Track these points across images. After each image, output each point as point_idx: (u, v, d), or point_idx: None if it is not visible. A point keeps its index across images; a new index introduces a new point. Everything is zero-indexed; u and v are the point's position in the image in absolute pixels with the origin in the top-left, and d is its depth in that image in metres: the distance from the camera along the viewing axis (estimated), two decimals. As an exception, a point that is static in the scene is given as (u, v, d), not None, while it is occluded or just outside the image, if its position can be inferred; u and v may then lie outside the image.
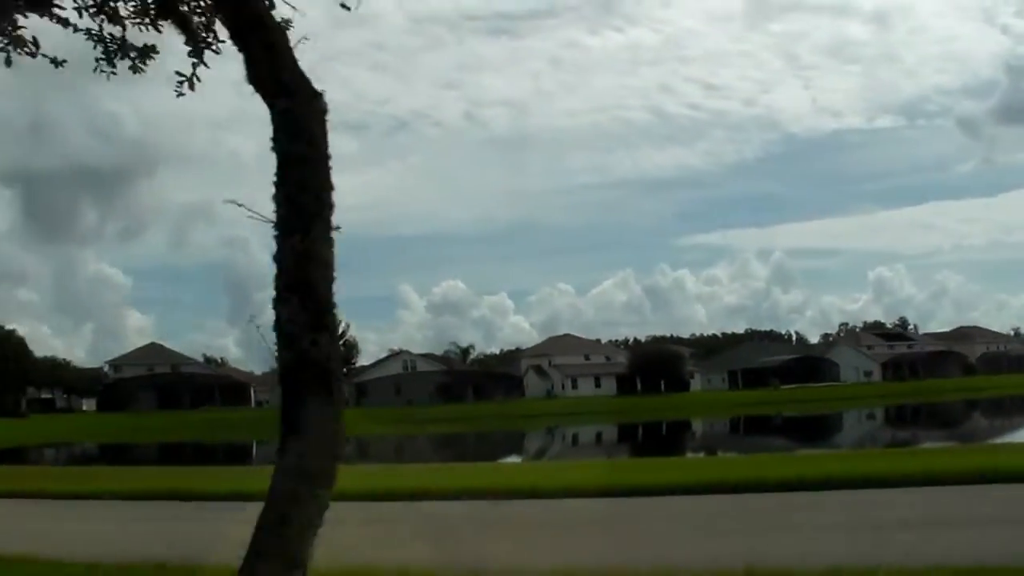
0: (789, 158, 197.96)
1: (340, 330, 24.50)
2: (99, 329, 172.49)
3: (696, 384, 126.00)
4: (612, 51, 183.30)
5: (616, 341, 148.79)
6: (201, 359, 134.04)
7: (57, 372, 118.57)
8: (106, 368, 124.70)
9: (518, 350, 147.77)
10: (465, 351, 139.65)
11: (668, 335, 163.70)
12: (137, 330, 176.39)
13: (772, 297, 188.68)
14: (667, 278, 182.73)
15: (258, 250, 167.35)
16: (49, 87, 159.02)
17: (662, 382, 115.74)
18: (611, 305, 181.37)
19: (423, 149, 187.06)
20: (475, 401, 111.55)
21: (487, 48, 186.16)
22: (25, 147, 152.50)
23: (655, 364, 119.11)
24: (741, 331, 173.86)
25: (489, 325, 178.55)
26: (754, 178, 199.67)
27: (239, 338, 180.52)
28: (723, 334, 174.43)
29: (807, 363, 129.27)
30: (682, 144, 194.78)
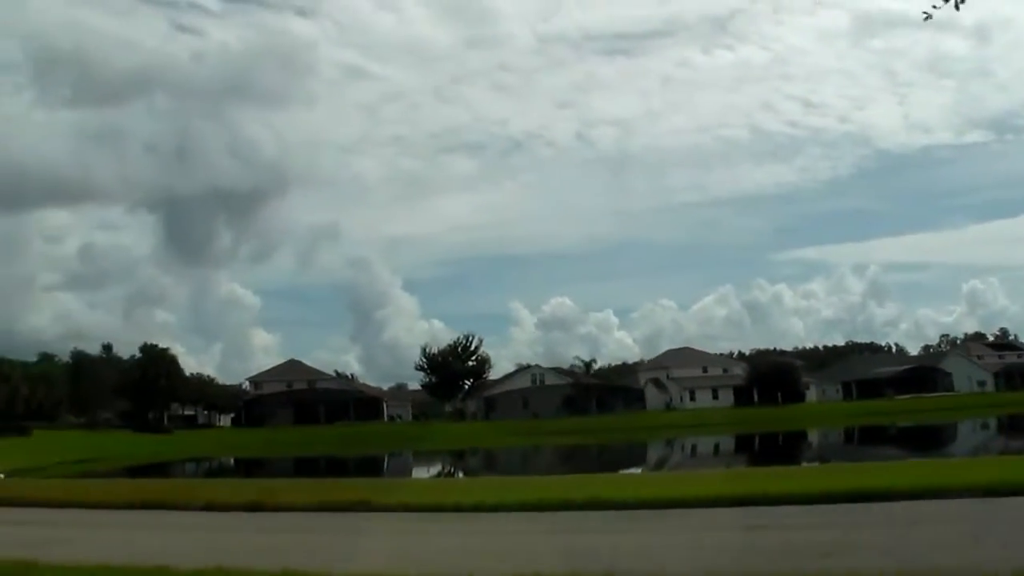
0: (881, 174, 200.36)
1: (473, 345, 54.60)
2: (229, 348, 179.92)
3: (811, 395, 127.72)
4: (720, 69, 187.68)
5: (730, 354, 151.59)
6: (333, 375, 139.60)
7: (202, 389, 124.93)
8: (246, 385, 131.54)
9: (638, 363, 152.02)
10: (588, 364, 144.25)
11: (770, 348, 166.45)
12: (264, 348, 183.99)
13: (868, 310, 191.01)
14: (766, 293, 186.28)
15: (379, 269, 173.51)
16: (196, 115, 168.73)
17: (778, 394, 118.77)
18: (712, 320, 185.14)
19: (536, 169, 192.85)
20: (598, 414, 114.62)
21: (603, 68, 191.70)
22: (171, 173, 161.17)
23: (772, 376, 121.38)
24: (840, 343, 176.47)
25: (595, 341, 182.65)
26: (848, 194, 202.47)
27: (360, 355, 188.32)
28: (824, 347, 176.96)
29: (920, 373, 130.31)
30: (779, 161, 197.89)
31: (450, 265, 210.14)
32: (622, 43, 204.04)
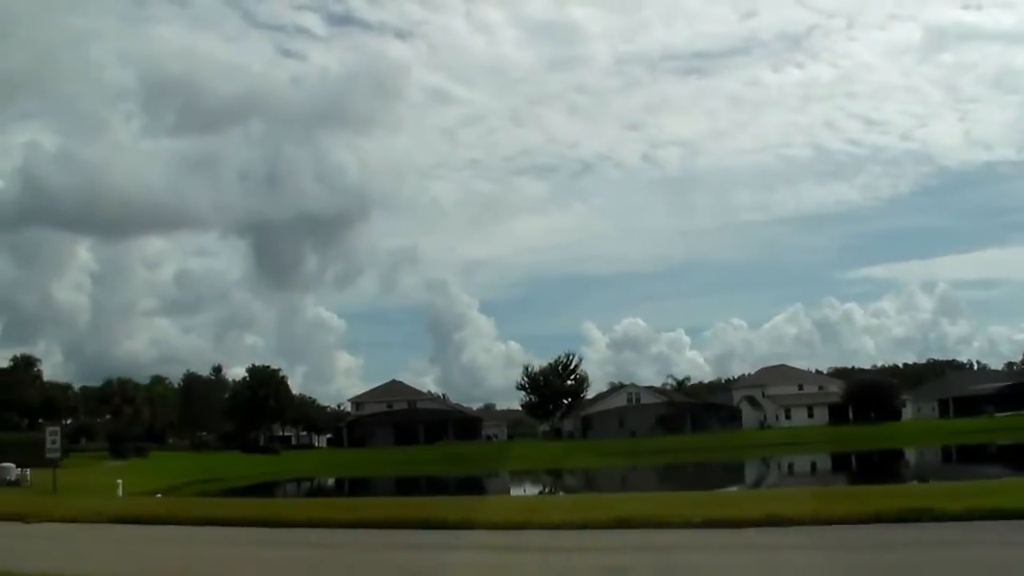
0: (944, 191, 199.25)
1: (572, 364, 79.76)
2: (314, 370, 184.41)
3: (907, 413, 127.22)
4: (787, 88, 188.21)
5: (821, 371, 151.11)
6: (432, 395, 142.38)
7: (304, 410, 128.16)
8: (347, 405, 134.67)
9: (732, 380, 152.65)
10: (680, 383, 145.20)
11: (849, 367, 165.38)
12: (346, 371, 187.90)
13: (940, 328, 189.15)
14: (836, 311, 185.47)
15: (457, 291, 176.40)
16: (288, 140, 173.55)
17: (873, 411, 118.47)
18: (782, 339, 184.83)
19: (604, 190, 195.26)
20: (693, 432, 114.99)
21: (675, 88, 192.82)
22: (262, 199, 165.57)
23: (868, 394, 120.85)
24: (912, 361, 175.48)
25: (666, 360, 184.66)
26: (911, 211, 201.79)
27: (439, 376, 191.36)
28: (904, 364, 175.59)
29: (1019, 390, 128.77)
30: (841, 179, 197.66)
31: (524, 287, 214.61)
32: (698, 62, 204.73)
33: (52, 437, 46.32)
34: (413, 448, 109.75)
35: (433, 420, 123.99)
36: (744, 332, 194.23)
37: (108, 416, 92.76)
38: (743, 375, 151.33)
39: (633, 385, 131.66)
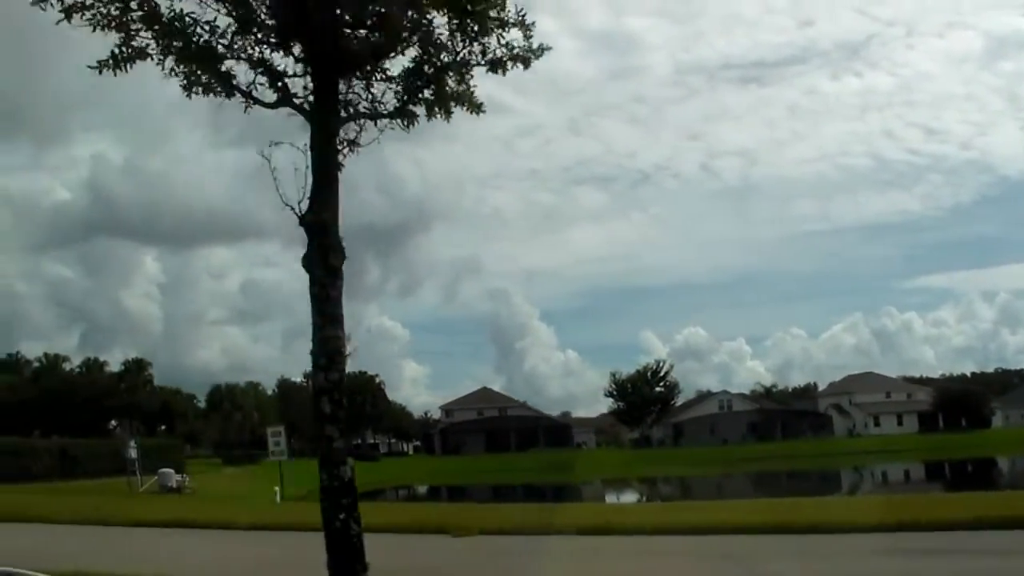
0: (1004, 200, 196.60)
1: (662, 371, 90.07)
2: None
3: (996, 421, 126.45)
4: (845, 97, 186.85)
5: (911, 378, 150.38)
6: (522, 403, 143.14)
7: (396, 416, 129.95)
8: (439, 413, 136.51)
9: (819, 388, 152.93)
10: (768, 390, 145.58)
11: (916, 376, 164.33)
12: (412, 380, 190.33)
13: (1000, 337, 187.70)
14: (895, 321, 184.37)
15: (518, 300, 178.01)
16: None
17: (963, 420, 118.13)
18: (842, 348, 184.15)
19: (663, 200, 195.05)
20: (783, 439, 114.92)
21: (734, 97, 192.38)
22: None
23: (958, 401, 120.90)
24: (972, 371, 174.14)
25: (726, 369, 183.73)
26: (971, 220, 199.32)
27: (504, 385, 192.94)
28: (972, 374, 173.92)
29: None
30: (901, 189, 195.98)
31: (584, 296, 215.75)
32: (756, 71, 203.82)
33: (275, 439, 47.70)
34: (508, 455, 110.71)
35: (524, 428, 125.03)
36: (804, 341, 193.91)
37: (218, 422, 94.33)
38: (829, 383, 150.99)
39: (725, 392, 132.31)
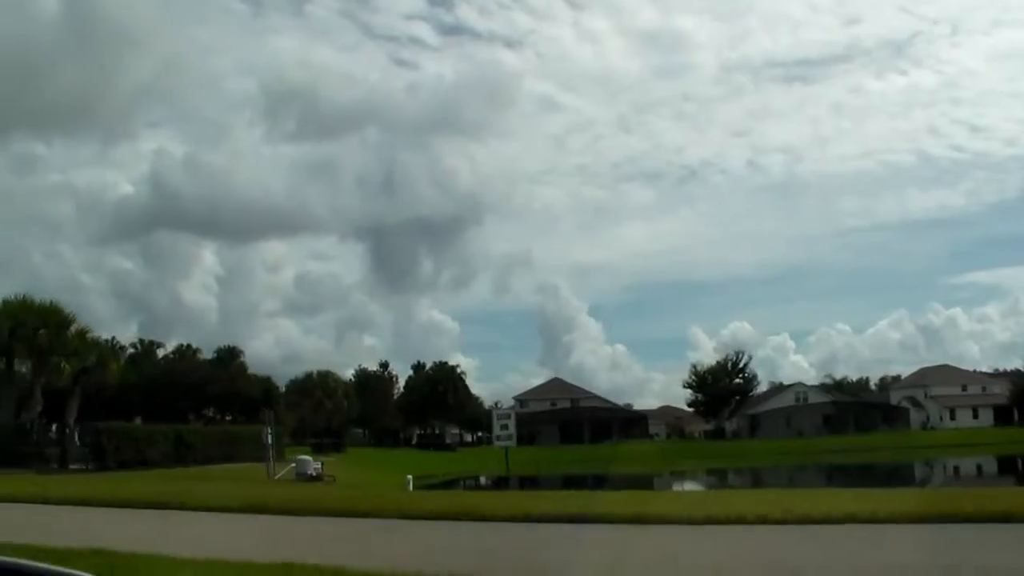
0: None
1: (742, 362, 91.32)
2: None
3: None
4: (890, 95, 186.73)
5: (988, 371, 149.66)
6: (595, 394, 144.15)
7: (472, 407, 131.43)
8: (513, 403, 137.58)
9: (892, 380, 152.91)
10: (839, 383, 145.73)
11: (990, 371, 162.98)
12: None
13: None
14: (940, 317, 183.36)
15: (567, 295, 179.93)
16: (404, 147, 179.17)
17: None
18: (886, 344, 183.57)
19: (709, 196, 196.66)
20: (857, 433, 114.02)
21: (779, 96, 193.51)
22: (379, 203, 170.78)
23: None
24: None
25: (771, 364, 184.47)
26: (1016, 216, 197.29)
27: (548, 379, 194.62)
28: None
29: None
30: (945, 185, 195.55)
31: (631, 291, 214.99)
32: (801, 69, 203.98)
33: (503, 422, 48.79)
34: (586, 447, 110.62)
35: (598, 418, 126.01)
36: (848, 337, 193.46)
37: (308, 410, 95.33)
38: (898, 375, 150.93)
39: (801, 384, 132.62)
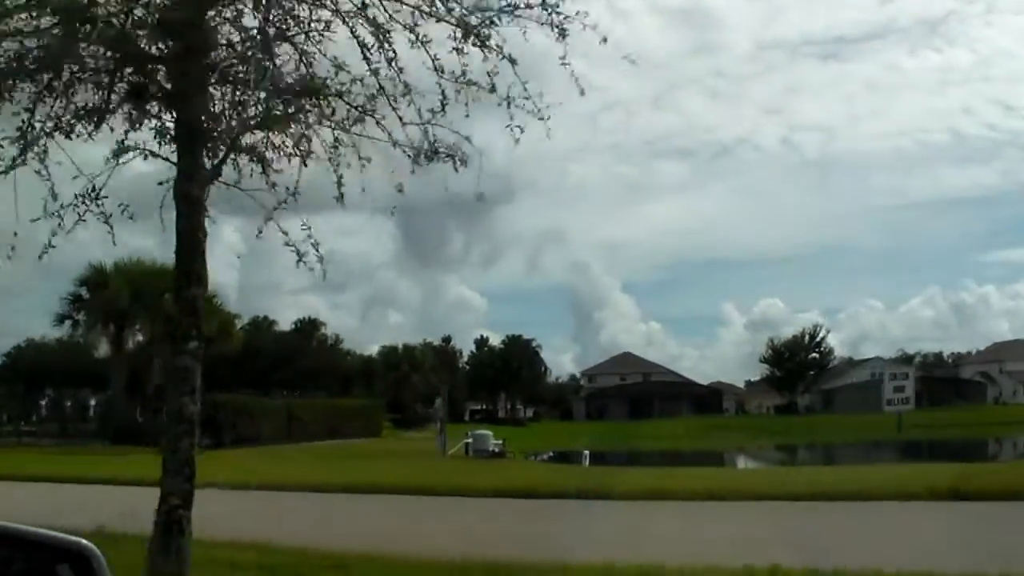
0: None
1: (819, 336, 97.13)
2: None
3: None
4: (925, 73, 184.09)
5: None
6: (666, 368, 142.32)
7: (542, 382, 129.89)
8: (580, 378, 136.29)
9: (965, 354, 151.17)
10: (910, 358, 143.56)
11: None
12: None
13: None
14: (973, 294, 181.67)
15: (598, 272, 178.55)
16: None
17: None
18: (919, 321, 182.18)
19: (743, 173, 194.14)
20: (932, 407, 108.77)
21: (814, 73, 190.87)
22: (409, 179, 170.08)
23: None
24: None
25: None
26: None
27: (578, 354, 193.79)
28: None
29: None
30: (979, 164, 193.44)
31: (664, 268, 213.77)
32: (836, 47, 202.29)
33: (897, 383, 45.92)
34: (655, 422, 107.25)
35: (669, 393, 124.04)
36: (880, 314, 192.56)
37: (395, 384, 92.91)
38: (971, 351, 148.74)
39: (878, 359, 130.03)
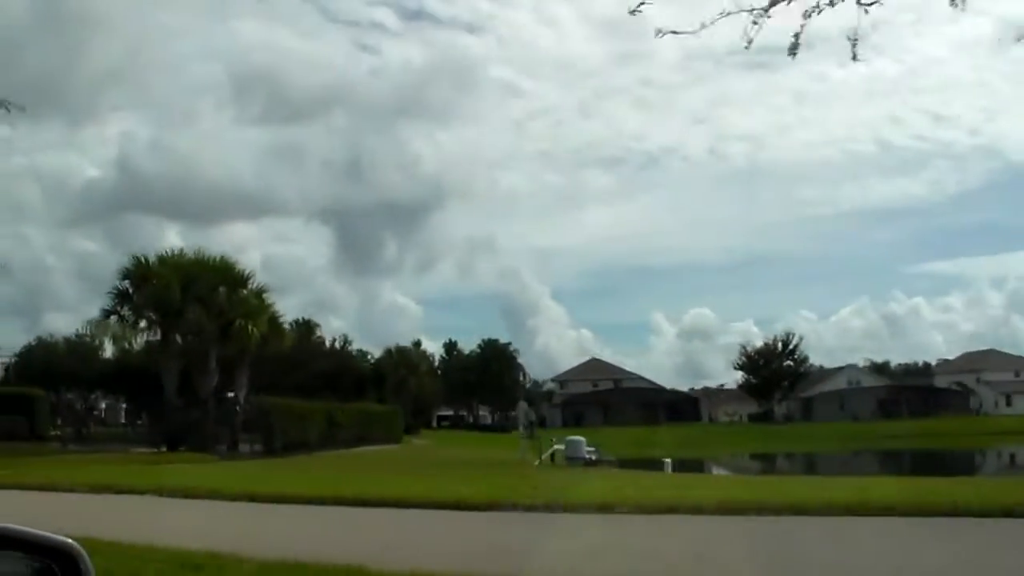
0: (1013, 186, 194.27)
1: (792, 344, 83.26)
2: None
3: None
4: (852, 83, 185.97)
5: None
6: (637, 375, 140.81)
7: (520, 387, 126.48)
8: (551, 384, 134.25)
9: (938, 363, 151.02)
10: (880, 366, 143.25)
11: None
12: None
13: (1011, 323, 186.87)
14: (902, 305, 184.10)
15: (529, 279, 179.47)
16: (369, 131, 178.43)
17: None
18: (850, 332, 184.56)
19: (671, 183, 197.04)
20: (911, 417, 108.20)
21: (741, 83, 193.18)
22: (343, 186, 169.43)
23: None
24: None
25: (734, 351, 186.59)
26: (979, 207, 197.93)
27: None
28: None
29: None
30: (907, 175, 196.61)
31: (593, 276, 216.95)
32: (763, 57, 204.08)
33: None
34: (660, 429, 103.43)
35: (644, 401, 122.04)
36: (812, 323, 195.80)
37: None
38: (941, 360, 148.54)
39: (853, 367, 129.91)
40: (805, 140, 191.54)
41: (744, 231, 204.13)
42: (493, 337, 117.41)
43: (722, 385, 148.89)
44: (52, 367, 70.11)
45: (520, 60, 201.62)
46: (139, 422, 67.32)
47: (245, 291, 50.42)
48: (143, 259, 49.22)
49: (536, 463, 42.48)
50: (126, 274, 49.11)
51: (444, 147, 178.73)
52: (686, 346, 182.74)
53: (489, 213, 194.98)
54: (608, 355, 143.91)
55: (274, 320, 52.21)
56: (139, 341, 51.29)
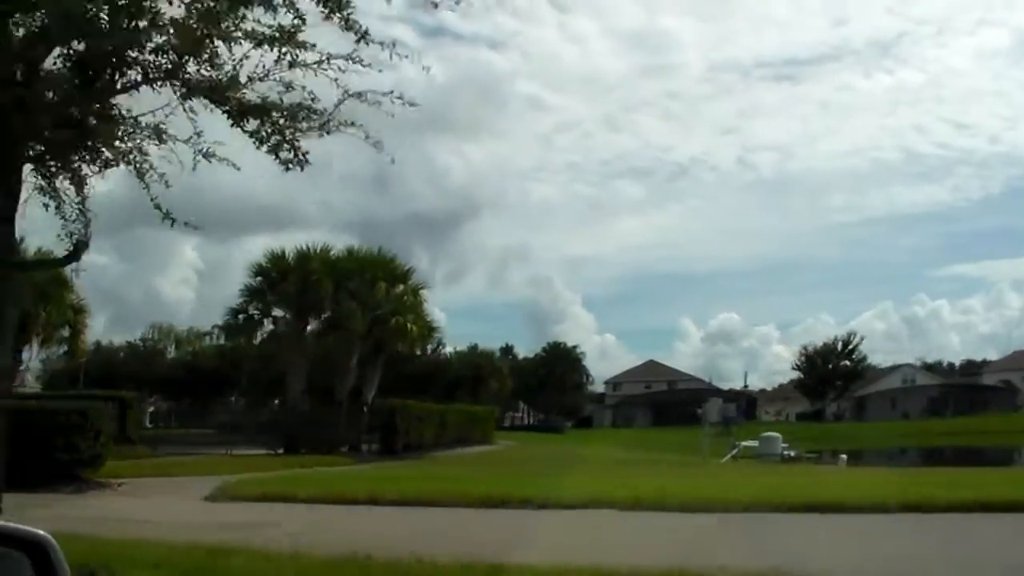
0: None
1: (852, 344, 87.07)
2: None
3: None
4: (878, 93, 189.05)
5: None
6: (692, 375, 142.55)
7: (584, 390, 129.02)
8: (604, 387, 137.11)
9: (982, 362, 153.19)
10: (929, 366, 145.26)
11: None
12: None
13: None
14: (925, 308, 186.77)
15: (560, 288, 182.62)
16: (394, 144, 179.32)
17: None
18: (871, 334, 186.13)
19: (700, 193, 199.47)
20: (958, 415, 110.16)
21: (768, 94, 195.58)
22: (371, 199, 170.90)
23: None
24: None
25: (755, 354, 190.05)
26: (1001, 212, 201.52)
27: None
28: None
29: None
30: (931, 181, 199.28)
31: (623, 284, 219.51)
32: (790, 69, 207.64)
33: None
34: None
35: (698, 401, 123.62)
36: (831, 327, 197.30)
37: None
38: (984, 360, 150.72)
39: (909, 366, 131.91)
40: (832, 149, 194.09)
41: (771, 239, 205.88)
42: (557, 341, 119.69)
43: (779, 384, 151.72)
44: (114, 370, 72.94)
45: (545, 75, 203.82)
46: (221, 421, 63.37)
47: (403, 287, 49.70)
48: (280, 254, 48.52)
49: (722, 460, 43.26)
50: (259, 271, 48.32)
51: (473, 160, 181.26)
52: (710, 350, 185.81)
53: (522, 224, 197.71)
54: (630, 359, 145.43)
55: (425, 318, 52.35)
56: (256, 339, 51.31)
